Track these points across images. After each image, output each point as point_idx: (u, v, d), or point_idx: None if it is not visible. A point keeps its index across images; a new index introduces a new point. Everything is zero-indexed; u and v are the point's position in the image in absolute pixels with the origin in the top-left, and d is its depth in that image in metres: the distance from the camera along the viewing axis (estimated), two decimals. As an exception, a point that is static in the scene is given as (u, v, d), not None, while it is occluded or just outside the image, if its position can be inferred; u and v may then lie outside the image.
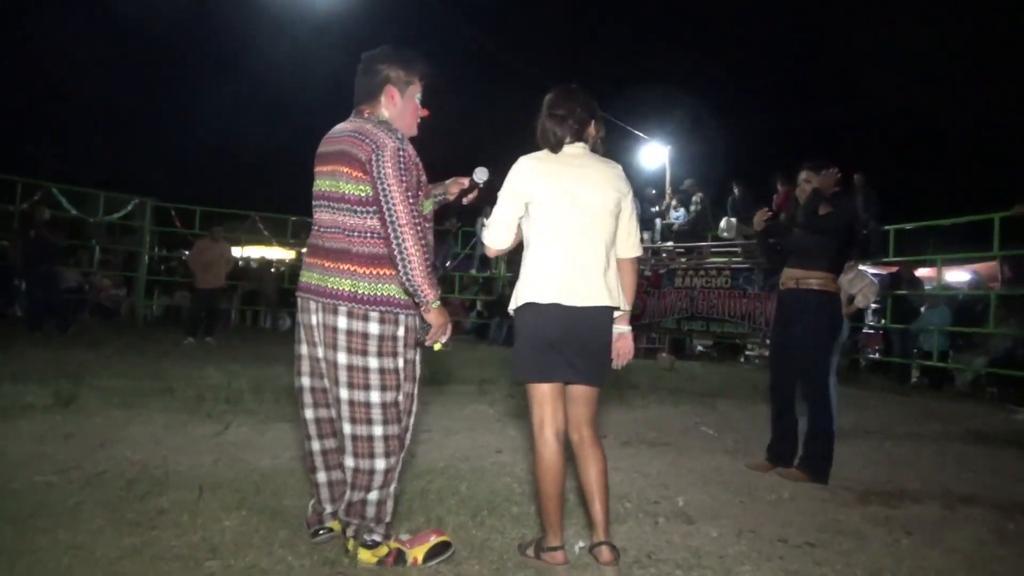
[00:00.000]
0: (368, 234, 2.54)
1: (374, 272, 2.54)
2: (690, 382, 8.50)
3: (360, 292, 2.53)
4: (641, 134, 17.06)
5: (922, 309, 10.35)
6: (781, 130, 21.45)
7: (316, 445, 2.73)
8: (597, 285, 2.58)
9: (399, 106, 2.71)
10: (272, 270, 16.87)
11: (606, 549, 2.52)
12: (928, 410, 7.38)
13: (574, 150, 2.68)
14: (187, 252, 15.05)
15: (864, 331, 11.71)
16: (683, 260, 12.65)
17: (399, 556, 2.55)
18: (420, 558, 2.57)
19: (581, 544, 2.78)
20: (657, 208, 14.91)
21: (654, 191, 15.74)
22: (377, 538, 2.55)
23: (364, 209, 2.54)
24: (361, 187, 2.53)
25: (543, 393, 2.59)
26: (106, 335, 10.39)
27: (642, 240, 2.89)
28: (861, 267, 6.21)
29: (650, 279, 12.10)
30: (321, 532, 2.70)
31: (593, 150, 2.73)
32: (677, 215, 14.61)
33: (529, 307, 2.58)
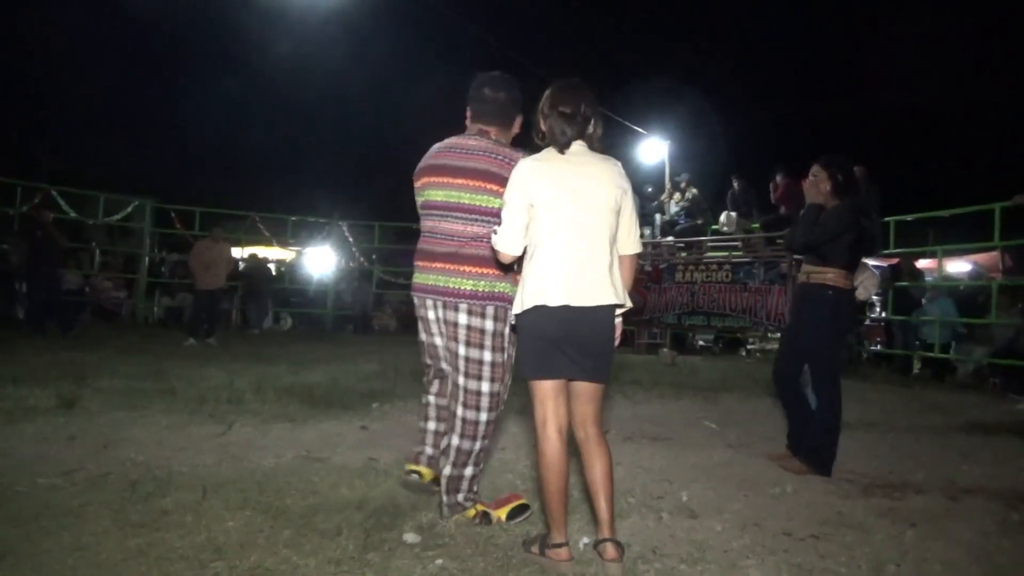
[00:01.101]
0: (474, 238, 2.93)
1: (485, 271, 2.92)
2: (692, 377, 8.50)
3: (480, 290, 2.92)
4: (640, 130, 17.04)
5: (924, 300, 10.31)
6: (780, 123, 21.45)
7: (433, 399, 3.25)
8: (603, 283, 2.58)
9: (515, 132, 3.16)
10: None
11: (611, 546, 2.52)
12: (930, 401, 7.37)
13: (574, 148, 2.67)
14: (176, 255, 15.11)
15: (866, 323, 11.71)
16: (683, 255, 12.64)
17: (485, 516, 3.01)
18: (503, 517, 3.04)
19: (585, 540, 2.79)
20: (656, 203, 14.89)
21: (650, 188, 15.68)
22: (467, 504, 3.01)
23: (473, 217, 2.93)
24: (496, 200, 2.87)
25: (545, 390, 2.59)
26: (107, 337, 10.40)
27: (642, 236, 2.90)
28: (863, 259, 6.20)
29: (650, 274, 12.09)
30: (412, 474, 3.16)
31: (591, 148, 2.72)
32: (678, 215, 14.58)
33: (536, 308, 2.57)
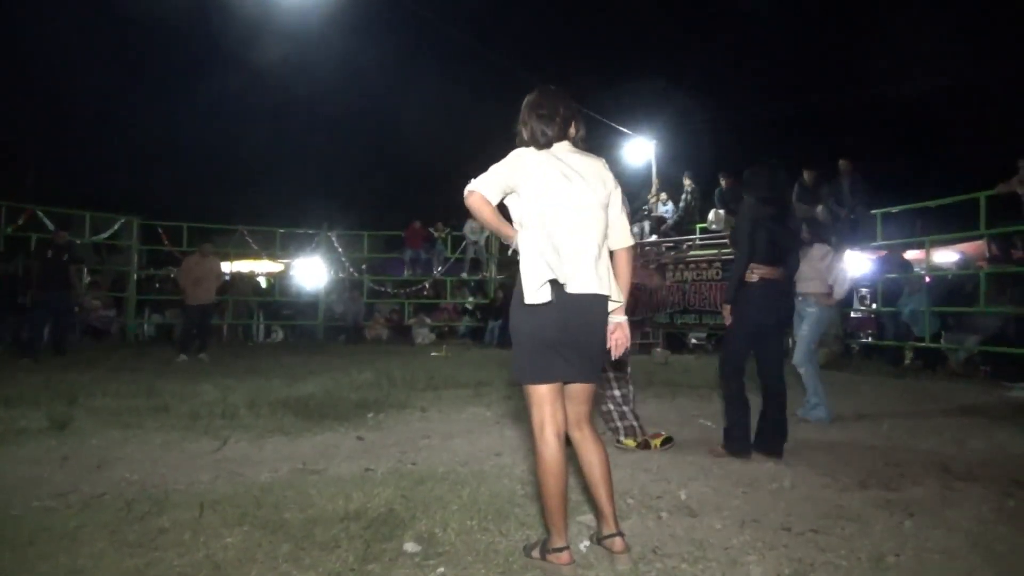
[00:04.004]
0: None
1: None
2: (685, 375, 8.51)
3: None
4: (626, 131, 17.10)
5: (904, 292, 10.34)
6: (767, 120, 21.54)
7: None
8: (589, 273, 2.59)
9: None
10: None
11: (619, 539, 2.59)
12: (923, 391, 7.41)
13: (561, 147, 2.70)
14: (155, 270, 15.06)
15: (853, 315, 11.77)
16: (673, 254, 12.68)
17: (645, 444, 4.53)
18: (658, 444, 4.53)
19: (585, 543, 2.79)
20: (647, 208, 14.99)
21: (658, 192, 15.72)
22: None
23: None
24: None
25: (542, 394, 2.59)
26: (98, 356, 10.32)
27: (632, 234, 2.90)
28: (845, 255, 6.23)
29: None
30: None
31: (576, 148, 2.76)
32: (666, 209, 14.69)
33: (543, 293, 2.54)
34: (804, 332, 5.74)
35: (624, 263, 2.77)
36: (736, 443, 4.35)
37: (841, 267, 5.80)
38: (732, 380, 4.45)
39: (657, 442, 4.55)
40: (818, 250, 5.76)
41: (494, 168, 2.66)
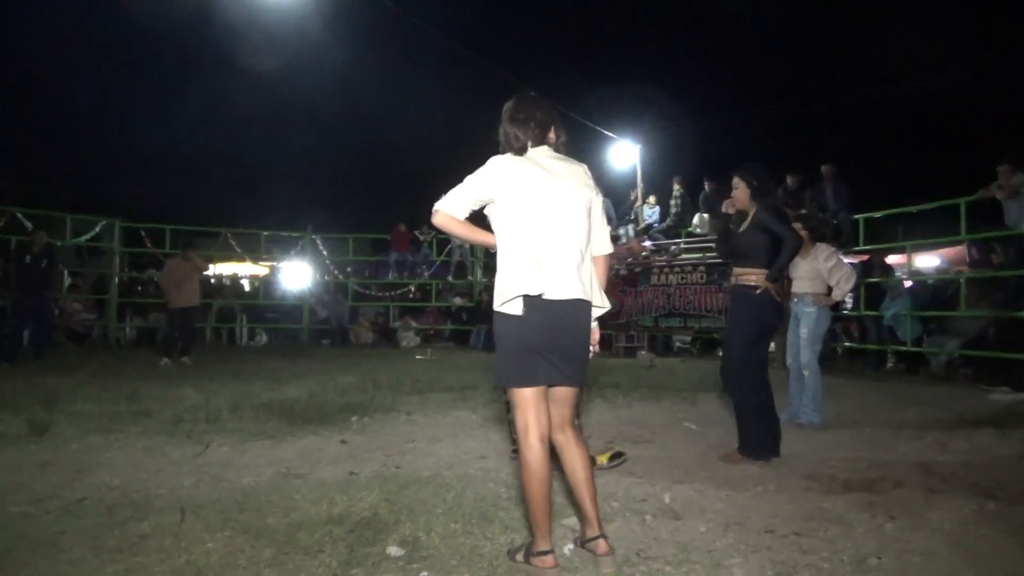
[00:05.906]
0: None
1: None
2: (670, 379, 8.54)
3: None
4: (611, 134, 17.13)
5: (887, 297, 10.42)
6: (751, 124, 21.71)
7: None
8: (581, 281, 2.60)
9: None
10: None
11: (602, 542, 2.58)
12: (905, 395, 7.47)
13: (541, 152, 2.70)
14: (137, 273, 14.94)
15: (840, 316, 11.86)
16: (659, 258, 12.74)
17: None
18: (605, 461, 4.03)
19: (570, 547, 2.79)
20: (632, 213, 15.04)
21: (652, 195, 15.75)
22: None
23: None
24: None
25: (526, 398, 2.58)
26: (79, 360, 10.21)
27: (616, 239, 2.92)
28: (842, 257, 6.22)
29: (626, 278, 12.14)
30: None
31: (556, 153, 2.75)
32: (651, 213, 14.75)
33: (514, 305, 2.54)
34: (805, 333, 5.64)
35: (601, 269, 2.78)
36: (756, 448, 4.35)
37: (847, 270, 5.73)
38: (760, 388, 4.42)
39: (604, 458, 4.13)
40: (823, 250, 5.72)
41: (467, 180, 2.65)
